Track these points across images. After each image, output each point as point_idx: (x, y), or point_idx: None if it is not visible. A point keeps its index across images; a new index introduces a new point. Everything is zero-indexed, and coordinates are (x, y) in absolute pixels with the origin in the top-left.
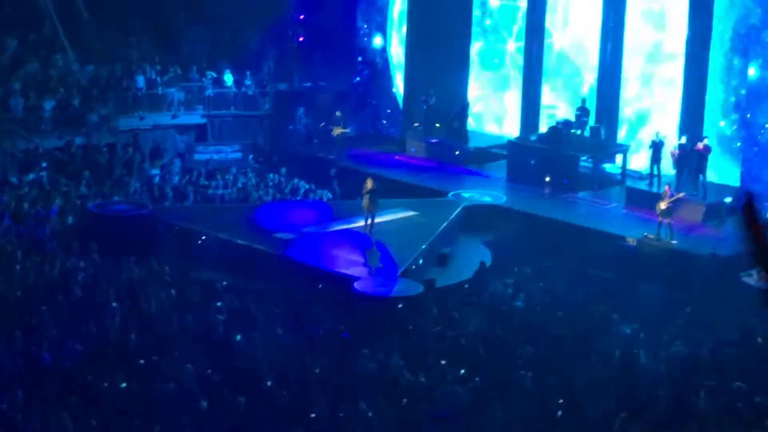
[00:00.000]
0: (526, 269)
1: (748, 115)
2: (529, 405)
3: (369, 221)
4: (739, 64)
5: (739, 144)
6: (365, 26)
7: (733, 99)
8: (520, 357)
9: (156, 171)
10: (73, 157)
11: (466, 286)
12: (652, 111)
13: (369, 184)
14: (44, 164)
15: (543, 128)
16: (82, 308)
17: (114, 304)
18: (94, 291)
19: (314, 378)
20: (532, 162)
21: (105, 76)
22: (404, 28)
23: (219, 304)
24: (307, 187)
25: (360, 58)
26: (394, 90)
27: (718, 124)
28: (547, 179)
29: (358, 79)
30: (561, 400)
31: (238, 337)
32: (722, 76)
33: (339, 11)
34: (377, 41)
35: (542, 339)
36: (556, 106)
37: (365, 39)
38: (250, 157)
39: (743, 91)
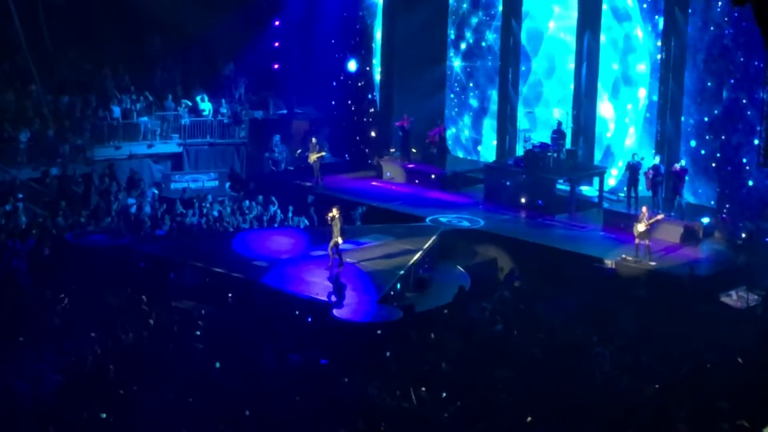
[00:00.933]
0: (505, 293)
1: (723, 137)
2: (510, 428)
3: (335, 250)
4: (712, 86)
5: (714, 164)
6: (343, 52)
7: (706, 119)
8: (500, 380)
9: (132, 200)
10: (49, 188)
11: (446, 311)
12: (622, 133)
13: (334, 212)
14: (20, 195)
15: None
16: (61, 338)
17: (92, 334)
18: (72, 321)
19: (294, 405)
20: (508, 184)
21: (80, 105)
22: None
23: (198, 333)
24: (282, 215)
25: (334, 83)
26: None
27: (690, 144)
28: (523, 200)
29: (333, 102)
30: (542, 423)
31: (217, 365)
32: (695, 97)
33: (315, 37)
34: (351, 66)
35: (522, 362)
36: (531, 130)
37: (343, 64)
38: (227, 185)
39: (716, 112)
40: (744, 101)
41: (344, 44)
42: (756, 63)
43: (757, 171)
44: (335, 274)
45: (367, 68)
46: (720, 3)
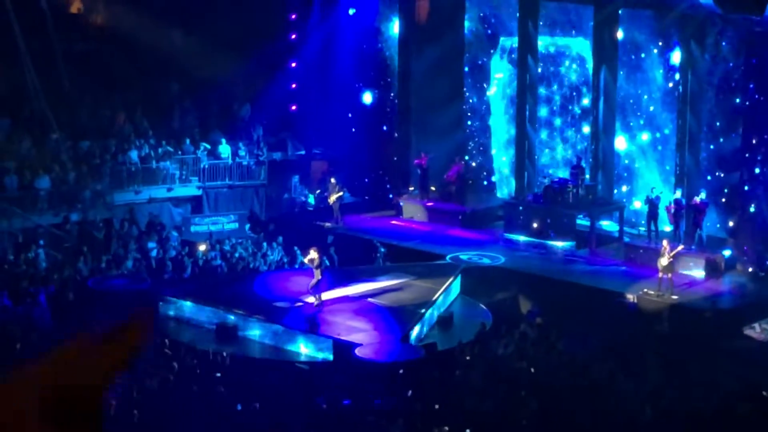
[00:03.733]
0: (527, 330)
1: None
2: None
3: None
4: (723, 120)
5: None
6: (359, 85)
7: (717, 152)
8: (525, 417)
9: (153, 244)
10: (70, 234)
11: (468, 348)
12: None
13: (313, 254)
14: (41, 242)
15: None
16: None
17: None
18: None
19: None
20: (527, 220)
21: (99, 151)
22: None
23: (218, 374)
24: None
25: (350, 115)
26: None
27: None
28: (535, 225)
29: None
30: None
31: (239, 407)
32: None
33: (333, 74)
34: (366, 98)
35: (547, 398)
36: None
37: (359, 97)
38: (247, 227)
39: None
40: (755, 136)
41: (361, 77)
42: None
43: None
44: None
45: (390, 99)
46: (728, 38)
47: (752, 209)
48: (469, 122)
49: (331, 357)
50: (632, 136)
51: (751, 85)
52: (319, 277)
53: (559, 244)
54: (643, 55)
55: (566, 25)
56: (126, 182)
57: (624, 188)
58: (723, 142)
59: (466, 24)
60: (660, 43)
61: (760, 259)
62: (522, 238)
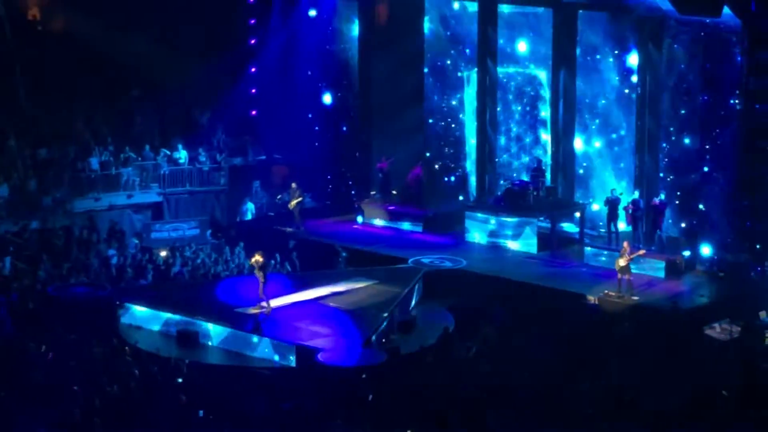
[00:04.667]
0: (490, 332)
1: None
2: None
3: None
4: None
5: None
6: (320, 86)
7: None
8: (489, 419)
9: (113, 251)
10: (29, 241)
11: (431, 352)
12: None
13: (258, 257)
14: (11, 248)
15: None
16: (45, 392)
17: (75, 387)
18: (56, 374)
19: None
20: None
21: (58, 158)
22: None
23: (180, 380)
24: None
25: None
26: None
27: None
28: None
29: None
30: None
31: (200, 413)
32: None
33: (293, 78)
34: (326, 98)
35: (509, 400)
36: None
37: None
38: (208, 233)
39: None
40: (709, 138)
41: (323, 79)
42: (719, 100)
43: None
44: (325, 316)
45: (351, 100)
46: (681, 41)
47: (701, 208)
48: (431, 120)
49: (293, 362)
50: (588, 138)
51: (704, 90)
52: (263, 280)
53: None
54: (598, 57)
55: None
56: (86, 189)
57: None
58: (677, 143)
59: (427, 26)
60: (615, 46)
61: (717, 260)
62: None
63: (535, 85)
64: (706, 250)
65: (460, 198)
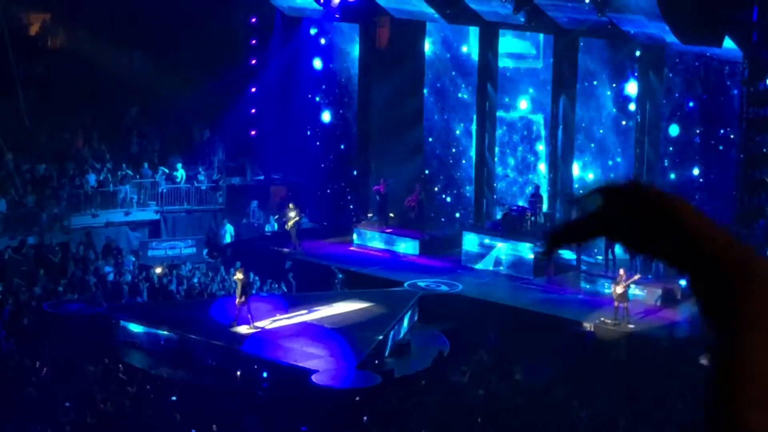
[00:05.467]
0: (484, 356)
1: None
2: None
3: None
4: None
5: None
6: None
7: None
8: None
9: (109, 268)
10: (26, 257)
11: (425, 375)
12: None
13: (239, 275)
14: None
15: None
16: (38, 409)
17: (67, 404)
18: (50, 391)
19: None
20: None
21: (56, 174)
22: None
23: (174, 398)
24: (260, 282)
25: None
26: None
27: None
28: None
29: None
30: None
31: None
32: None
33: (293, 99)
34: (325, 117)
35: (503, 425)
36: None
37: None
38: (205, 252)
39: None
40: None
41: (323, 96)
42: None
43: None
44: (320, 337)
45: (350, 118)
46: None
47: None
48: (430, 139)
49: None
50: (584, 165)
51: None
52: (243, 300)
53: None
54: (595, 83)
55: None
56: (83, 206)
57: None
58: (673, 172)
59: (429, 47)
60: (611, 74)
61: None
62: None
63: (533, 127)
64: None
65: (457, 216)
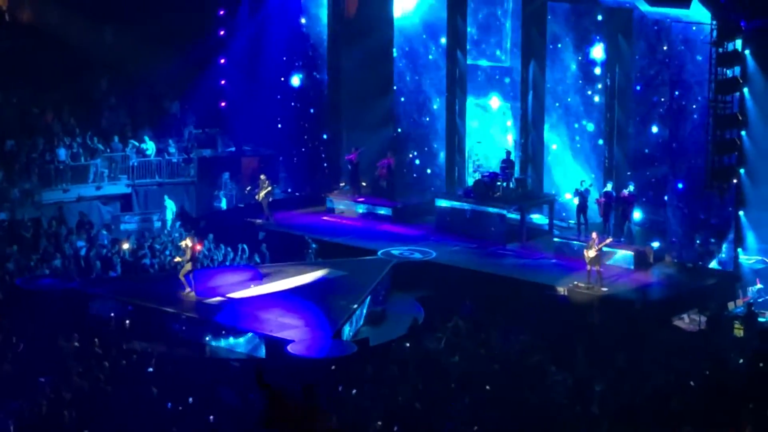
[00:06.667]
0: (459, 323)
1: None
2: None
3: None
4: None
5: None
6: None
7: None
8: (457, 411)
9: (82, 243)
10: None
11: (400, 343)
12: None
13: (188, 241)
14: None
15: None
16: (13, 385)
17: (42, 379)
18: (25, 366)
19: None
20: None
21: (26, 149)
22: None
23: (150, 369)
24: (233, 253)
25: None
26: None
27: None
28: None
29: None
30: None
31: (168, 405)
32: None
33: (262, 66)
34: (294, 81)
35: (478, 392)
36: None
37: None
38: (177, 224)
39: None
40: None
41: (292, 64)
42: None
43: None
44: (295, 307)
45: (319, 82)
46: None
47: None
48: (402, 99)
49: (263, 354)
50: (550, 126)
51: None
52: (190, 268)
53: None
54: (560, 46)
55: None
56: (54, 181)
57: None
58: (641, 137)
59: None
60: (576, 38)
61: (686, 251)
62: None
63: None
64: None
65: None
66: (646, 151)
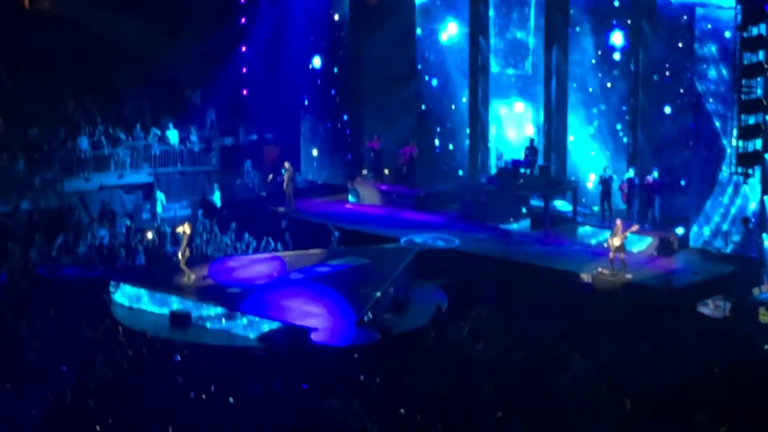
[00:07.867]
0: (482, 311)
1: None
2: None
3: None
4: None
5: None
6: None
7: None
8: (481, 400)
9: (104, 232)
10: (20, 222)
11: (424, 331)
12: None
13: (186, 228)
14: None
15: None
16: (37, 374)
17: (63, 368)
18: (49, 355)
19: None
20: (483, 202)
21: (48, 138)
22: None
23: (174, 361)
24: (256, 242)
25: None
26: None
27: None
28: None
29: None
30: None
31: (192, 395)
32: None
33: (284, 55)
34: (316, 62)
35: (503, 379)
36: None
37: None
38: (200, 213)
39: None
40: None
41: (316, 43)
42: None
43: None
44: (318, 295)
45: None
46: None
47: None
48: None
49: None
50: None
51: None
52: (188, 254)
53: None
54: (578, 29)
55: None
56: (76, 170)
57: None
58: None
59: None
60: (597, 23)
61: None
62: None
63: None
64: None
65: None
66: (669, 137)
